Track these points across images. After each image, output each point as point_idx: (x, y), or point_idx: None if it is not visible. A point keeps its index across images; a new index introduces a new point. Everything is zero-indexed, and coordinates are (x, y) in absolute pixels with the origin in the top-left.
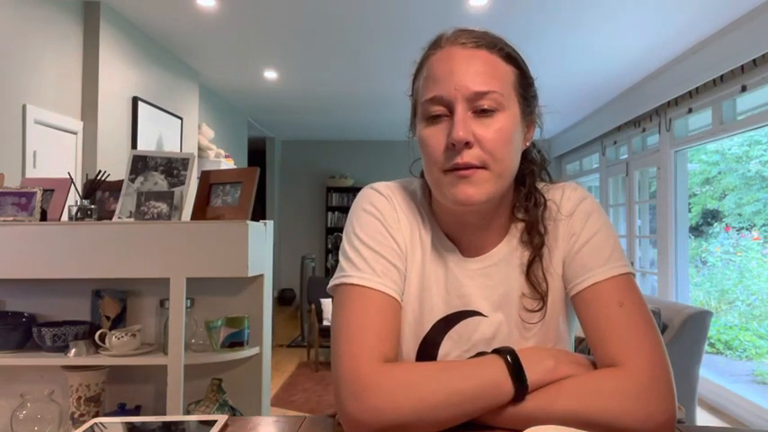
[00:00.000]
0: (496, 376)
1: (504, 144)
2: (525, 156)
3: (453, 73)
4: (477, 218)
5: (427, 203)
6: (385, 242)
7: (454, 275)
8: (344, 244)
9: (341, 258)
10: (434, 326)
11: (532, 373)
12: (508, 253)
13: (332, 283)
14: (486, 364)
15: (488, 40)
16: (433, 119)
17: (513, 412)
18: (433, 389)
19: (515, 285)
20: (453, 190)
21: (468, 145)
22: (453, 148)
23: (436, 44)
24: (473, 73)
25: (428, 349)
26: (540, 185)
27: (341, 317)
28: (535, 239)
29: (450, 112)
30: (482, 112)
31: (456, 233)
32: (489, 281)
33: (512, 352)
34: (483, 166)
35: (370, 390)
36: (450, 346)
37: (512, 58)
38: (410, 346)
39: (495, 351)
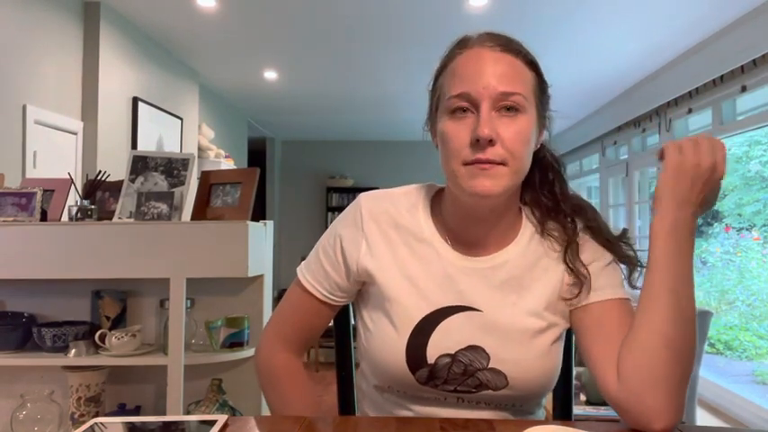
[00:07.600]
0: None
1: (523, 144)
2: (541, 160)
3: (482, 73)
4: (488, 213)
5: (430, 208)
6: (331, 253)
7: (448, 273)
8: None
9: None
10: (426, 318)
11: None
12: (519, 255)
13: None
14: None
15: (514, 45)
16: (456, 114)
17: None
18: (269, 400)
19: (524, 283)
20: (472, 182)
21: (491, 142)
22: (477, 143)
23: (463, 44)
24: (500, 74)
25: (419, 337)
26: None
27: (285, 294)
28: (568, 229)
29: (476, 108)
30: (505, 111)
31: (461, 231)
32: (490, 280)
33: None
34: (502, 163)
35: (258, 353)
36: (440, 336)
37: (533, 64)
38: (403, 331)
39: None
